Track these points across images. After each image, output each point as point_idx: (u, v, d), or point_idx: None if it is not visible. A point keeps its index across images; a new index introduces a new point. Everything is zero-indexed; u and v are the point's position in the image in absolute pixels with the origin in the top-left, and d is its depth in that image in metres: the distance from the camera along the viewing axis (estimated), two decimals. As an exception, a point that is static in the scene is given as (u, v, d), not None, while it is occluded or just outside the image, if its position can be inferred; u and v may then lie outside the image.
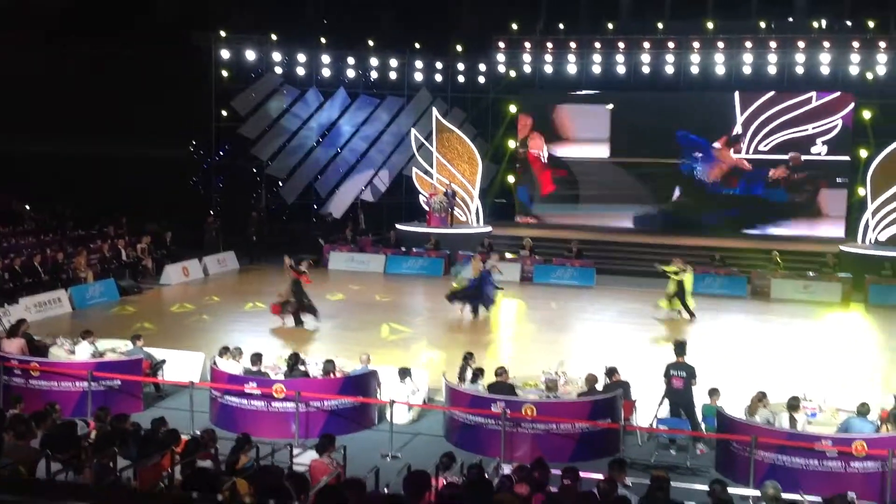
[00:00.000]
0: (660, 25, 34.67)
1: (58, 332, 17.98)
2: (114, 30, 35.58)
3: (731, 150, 33.61)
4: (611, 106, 34.83)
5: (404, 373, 15.11)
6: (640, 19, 35.49)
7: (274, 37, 34.61)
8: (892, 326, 23.26)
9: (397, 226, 33.08)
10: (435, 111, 33.56)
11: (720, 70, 33.54)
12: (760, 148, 33.29)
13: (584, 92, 35.23)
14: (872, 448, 12.05)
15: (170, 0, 40.95)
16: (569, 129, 35.60)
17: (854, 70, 32.30)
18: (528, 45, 35.90)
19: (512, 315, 24.98)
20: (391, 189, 35.92)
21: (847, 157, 32.21)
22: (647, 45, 34.34)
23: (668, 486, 9.50)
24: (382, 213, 35.73)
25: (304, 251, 31.25)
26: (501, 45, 36.17)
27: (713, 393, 13.92)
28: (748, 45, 33.27)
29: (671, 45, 34.13)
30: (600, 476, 9.78)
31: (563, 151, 35.64)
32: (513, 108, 36.11)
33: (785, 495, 9.56)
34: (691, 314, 23.32)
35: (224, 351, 15.49)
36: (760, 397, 13.26)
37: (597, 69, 34.86)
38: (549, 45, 35.59)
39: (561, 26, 36.04)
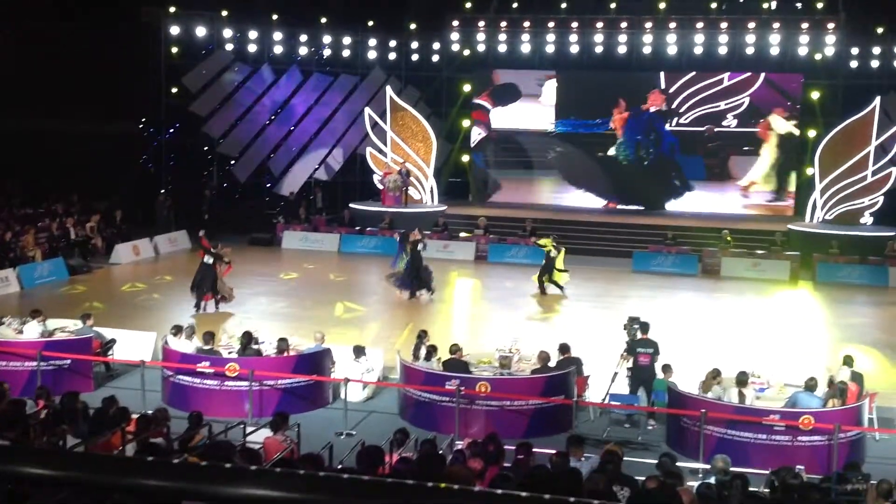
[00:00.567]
0: (612, 6, 34.80)
1: (5, 312, 17.64)
2: (61, 4, 34.83)
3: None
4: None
5: (359, 351, 15.10)
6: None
7: (225, 13, 34.16)
8: (839, 303, 23.71)
9: (351, 205, 32.92)
10: (389, 90, 33.39)
11: (672, 50, 33.76)
12: (682, 122, 34.35)
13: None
14: (819, 422, 12.30)
15: (118, -25, 40.18)
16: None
17: (803, 51, 32.68)
18: (481, 24, 35.82)
19: (467, 293, 25.06)
20: (345, 168, 35.71)
21: (753, 130, 33.54)
22: (599, 24, 34.46)
23: (620, 459, 9.63)
24: (337, 192, 35.54)
25: (258, 230, 31.10)
26: (455, 23, 36.05)
27: (666, 369, 14.09)
28: (699, 25, 33.53)
29: (623, 24, 34.30)
30: (553, 452, 9.88)
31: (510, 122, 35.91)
32: (467, 87, 36.04)
33: (733, 469, 9.72)
34: (560, 287, 23.42)
35: (177, 330, 15.33)
36: (715, 374, 13.43)
37: (550, 48, 34.93)
38: (503, 24, 35.56)
39: (514, 5, 36.01)
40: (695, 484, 9.49)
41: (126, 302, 21.86)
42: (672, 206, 34.09)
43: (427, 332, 15.48)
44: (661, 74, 34.30)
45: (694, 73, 33.98)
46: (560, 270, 23.40)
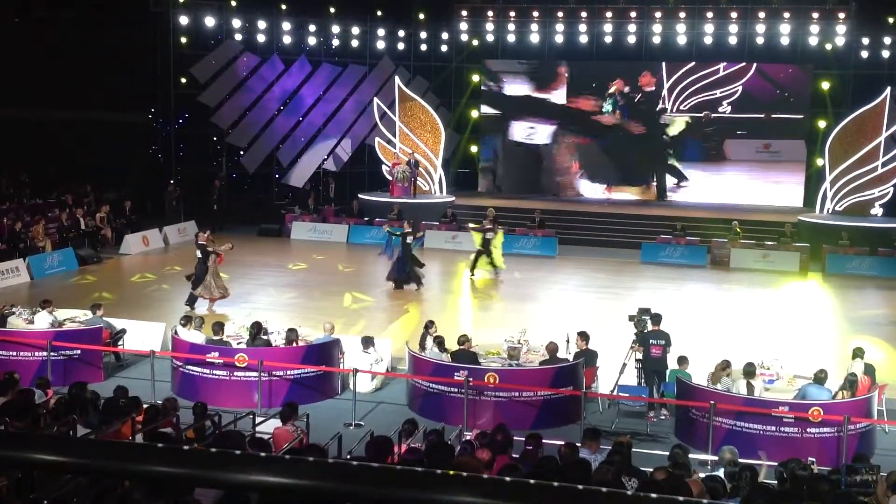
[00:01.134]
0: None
1: (16, 302, 17.72)
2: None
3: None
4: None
5: (367, 341, 15.10)
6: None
7: (234, 3, 34.14)
8: (849, 295, 23.63)
9: (360, 195, 32.94)
10: (398, 80, 33.36)
11: (682, 40, 33.67)
12: (681, 108, 34.84)
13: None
14: (828, 414, 12.27)
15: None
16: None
17: (813, 41, 32.54)
18: (490, 13, 35.75)
19: (475, 284, 25.03)
20: (354, 158, 35.71)
21: (749, 115, 34.08)
22: (609, 14, 34.37)
23: (629, 450, 9.63)
24: (345, 183, 35.55)
25: (266, 220, 31.15)
26: (464, 13, 35.99)
27: (682, 361, 14.07)
28: (709, 15, 33.44)
29: (633, 14, 34.21)
30: (562, 443, 9.88)
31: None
32: (475, 77, 35.98)
33: (742, 460, 9.71)
34: (495, 269, 23.84)
35: (186, 320, 15.38)
36: (724, 366, 13.38)
37: (559, 38, 34.88)
38: (512, 13, 35.47)
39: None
40: (703, 475, 9.48)
41: (136, 292, 21.92)
42: (677, 196, 34.47)
43: (434, 322, 15.48)
44: (663, 64, 34.58)
45: (693, 63, 34.31)
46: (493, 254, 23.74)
